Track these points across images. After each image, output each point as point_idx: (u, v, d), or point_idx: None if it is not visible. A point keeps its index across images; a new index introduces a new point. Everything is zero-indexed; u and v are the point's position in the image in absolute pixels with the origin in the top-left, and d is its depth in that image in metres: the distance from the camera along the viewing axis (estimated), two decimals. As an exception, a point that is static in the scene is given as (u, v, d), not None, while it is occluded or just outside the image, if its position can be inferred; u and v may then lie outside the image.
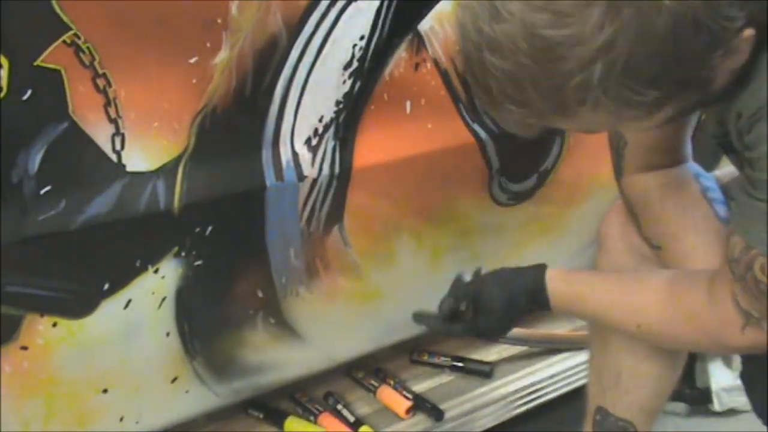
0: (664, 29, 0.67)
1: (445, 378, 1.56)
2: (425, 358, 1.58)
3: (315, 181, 1.15)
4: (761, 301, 0.84)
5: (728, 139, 0.85)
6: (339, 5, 1.08)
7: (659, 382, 1.18)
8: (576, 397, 1.64)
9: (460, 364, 1.57)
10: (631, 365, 1.16)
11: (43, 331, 1.00)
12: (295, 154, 1.13)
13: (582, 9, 0.67)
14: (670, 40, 0.67)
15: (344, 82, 1.13)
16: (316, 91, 1.11)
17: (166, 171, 1.03)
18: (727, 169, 1.13)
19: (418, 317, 1.14)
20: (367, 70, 1.14)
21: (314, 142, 1.14)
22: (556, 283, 1.04)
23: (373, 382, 1.50)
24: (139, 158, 1.00)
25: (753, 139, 0.78)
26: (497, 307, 1.05)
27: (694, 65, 0.71)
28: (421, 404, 1.45)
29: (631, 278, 1.04)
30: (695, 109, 0.86)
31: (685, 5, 0.67)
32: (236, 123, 1.07)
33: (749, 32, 0.71)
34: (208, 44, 1.00)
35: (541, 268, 1.05)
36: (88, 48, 0.92)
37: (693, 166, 1.09)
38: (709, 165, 1.19)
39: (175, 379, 1.17)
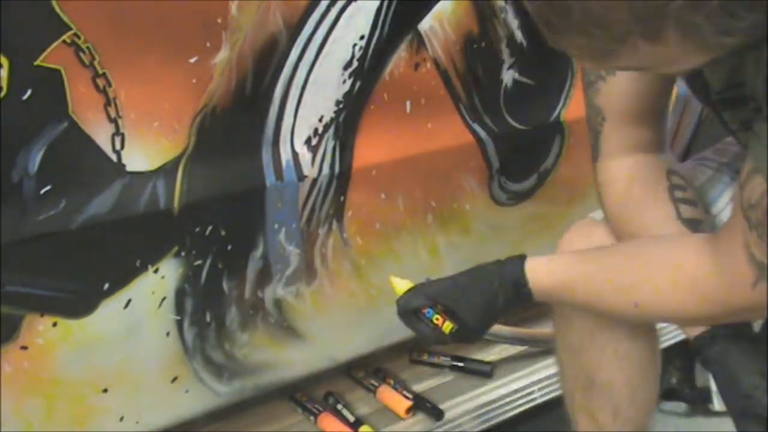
0: None
1: (445, 378, 1.56)
2: (425, 358, 1.58)
3: (315, 180, 1.15)
4: None
5: (738, 92, 0.82)
6: (339, 5, 1.08)
7: (652, 401, 1.16)
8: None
9: (460, 364, 1.57)
10: (628, 398, 1.13)
11: (43, 331, 1.00)
12: (295, 154, 1.13)
13: None
14: None
15: (344, 81, 1.13)
16: (316, 90, 1.11)
17: (166, 171, 1.03)
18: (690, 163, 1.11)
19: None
20: (367, 69, 1.14)
21: (314, 141, 1.14)
22: (538, 275, 0.99)
23: (373, 382, 1.50)
24: (139, 158, 1.00)
25: None
26: (476, 308, 1.00)
27: None
28: (421, 404, 1.45)
29: (619, 254, 0.99)
30: (745, 48, 0.82)
31: None
32: (236, 123, 1.07)
33: None
34: (208, 44, 1.00)
35: (520, 260, 1.01)
36: (88, 48, 0.92)
37: (668, 161, 1.05)
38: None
39: (175, 379, 1.17)
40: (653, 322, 1.03)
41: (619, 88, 1.01)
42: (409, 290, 1.04)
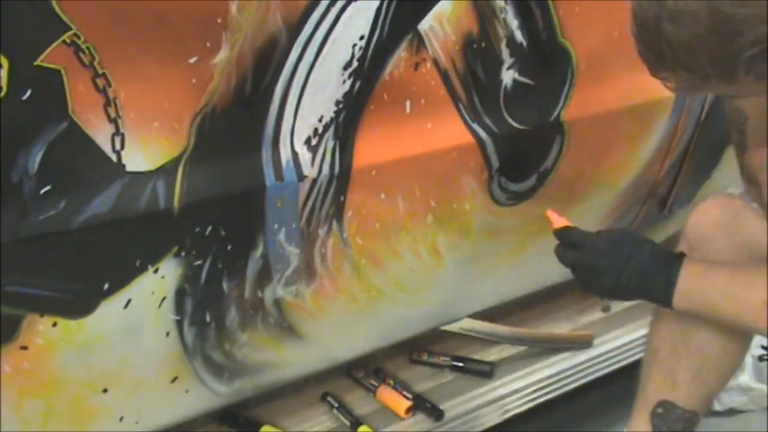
0: None
1: (445, 378, 1.56)
2: (425, 358, 1.58)
3: (315, 180, 1.15)
4: None
5: None
6: (339, 5, 1.08)
7: (733, 371, 1.25)
8: (576, 397, 1.64)
9: (460, 364, 1.57)
10: (715, 360, 1.21)
11: (43, 331, 1.00)
12: (294, 154, 1.13)
13: None
14: None
15: (344, 82, 1.13)
16: (315, 91, 1.11)
17: (166, 171, 1.03)
18: None
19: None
20: (367, 70, 1.14)
21: (314, 141, 1.14)
22: (685, 279, 1.11)
23: (373, 382, 1.50)
24: (138, 158, 1.00)
25: None
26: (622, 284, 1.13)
27: None
28: (421, 404, 1.45)
29: (751, 263, 1.11)
30: None
31: None
32: (236, 123, 1.07)
33: None
34: (208, 44, 1.00)
35: (676, 267, 1.12)
36: (88, 48, 0.92)
37: None
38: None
39: (175, 379, 1.17)
40: None
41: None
42: (564, 229, 1.20)
